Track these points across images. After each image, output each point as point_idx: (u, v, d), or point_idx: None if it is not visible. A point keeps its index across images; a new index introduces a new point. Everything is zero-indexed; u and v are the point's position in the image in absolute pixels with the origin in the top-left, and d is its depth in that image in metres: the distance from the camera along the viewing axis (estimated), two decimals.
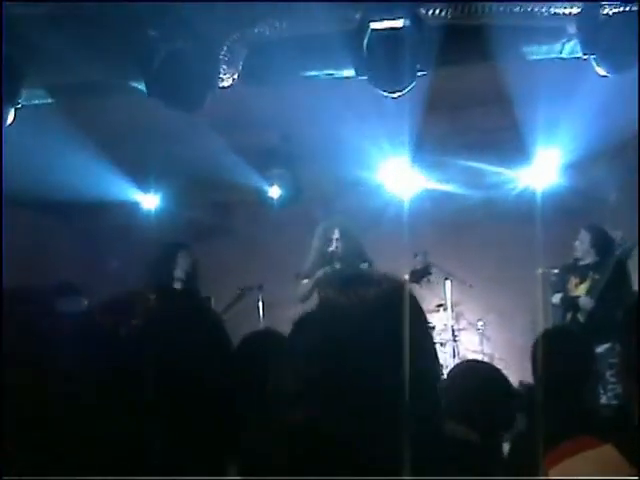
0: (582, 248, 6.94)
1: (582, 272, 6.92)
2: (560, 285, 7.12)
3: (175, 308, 1.55)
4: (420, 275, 7.74)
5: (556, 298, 7.09)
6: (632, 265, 6.93)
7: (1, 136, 5.46)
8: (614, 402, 5.85)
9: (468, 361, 4.75)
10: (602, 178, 8.23)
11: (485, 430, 2.83)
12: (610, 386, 5.98)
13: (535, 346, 3.29)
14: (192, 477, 1.31)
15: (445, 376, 3.20)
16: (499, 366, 3.50)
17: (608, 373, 6.02)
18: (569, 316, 6.84)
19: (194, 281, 7.51)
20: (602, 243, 6.84)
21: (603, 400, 5.93)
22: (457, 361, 7.70)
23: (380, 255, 7.62)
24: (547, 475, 1.74)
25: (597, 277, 6.71)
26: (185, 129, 7.21)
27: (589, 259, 6.91)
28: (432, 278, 8.22)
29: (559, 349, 3.20)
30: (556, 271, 7.42)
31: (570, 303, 6.87)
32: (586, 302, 6.70)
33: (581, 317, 6.72)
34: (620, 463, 1.67)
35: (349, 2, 5.26)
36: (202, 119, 6.21)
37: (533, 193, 7.97)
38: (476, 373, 3.14)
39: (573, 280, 6.96)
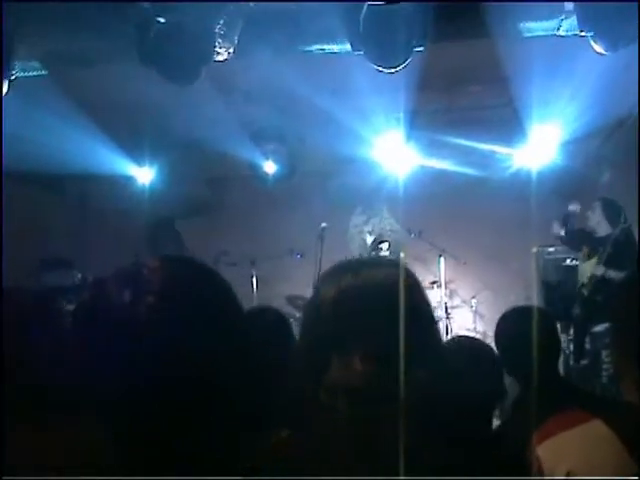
0: (593, 218, 6.94)
1: (594, 243, 6.89)
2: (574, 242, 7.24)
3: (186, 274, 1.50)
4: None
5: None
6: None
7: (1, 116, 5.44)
8: (607, 381, 5.87)
9: (459, 337, 4.76)
10: (597, 156, 8.23)
11: (474, 406, 2.83)
12: (605, 365, 5.98)
13: (498, 322, 3.31)
14: (193, 477, 1.30)
15: None
16: (492, 344, 3.49)
17: (604, 353, 6.02)
18: (577, 286, 6.86)
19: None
20: (614, 214, 6.82)
21: (597, 379, 5.96)
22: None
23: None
24: (536, 450, 1.74)
25: (606, 252, 6.64)
26: (180, 102, 7.17)
27: (602, 231, 6.88)
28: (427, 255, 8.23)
29: (519, 326, 3.20)
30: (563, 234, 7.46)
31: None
32: (592, 276, 6.68)
33: (585, 291, 6.70)
34: (609, 438, 1.67)
35: None
36: (197, 92, 6.16)
37: (528, 171, 7.96)
38: (467, 348, 3.13)
39: (585, 249, 6.95)
